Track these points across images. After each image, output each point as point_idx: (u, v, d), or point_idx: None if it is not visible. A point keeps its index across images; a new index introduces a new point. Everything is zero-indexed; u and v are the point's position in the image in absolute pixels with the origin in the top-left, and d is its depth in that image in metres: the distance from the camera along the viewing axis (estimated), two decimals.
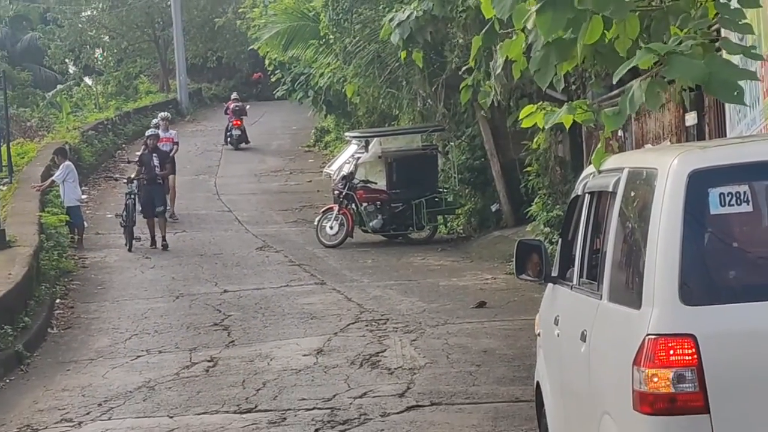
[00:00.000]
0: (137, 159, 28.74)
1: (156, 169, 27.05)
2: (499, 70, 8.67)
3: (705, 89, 7.10)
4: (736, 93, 6.98)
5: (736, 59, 8.36)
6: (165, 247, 26.45)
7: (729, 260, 6.59)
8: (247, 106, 46.56)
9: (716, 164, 6.65)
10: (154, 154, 27.41)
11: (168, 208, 28.93)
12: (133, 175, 27.71)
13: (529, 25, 7.39)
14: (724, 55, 7.89)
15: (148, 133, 28.84)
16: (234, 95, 47.74)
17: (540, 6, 6.92)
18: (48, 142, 37.20)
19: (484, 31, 8.12)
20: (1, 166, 29.78)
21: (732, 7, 7.30)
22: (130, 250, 26.25)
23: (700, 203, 6.45)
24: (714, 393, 6.15)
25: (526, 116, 8.55)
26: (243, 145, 44.88)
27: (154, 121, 34.75)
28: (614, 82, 7.44)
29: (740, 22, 7.37)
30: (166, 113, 35.72)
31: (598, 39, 7.37)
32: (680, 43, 7.02)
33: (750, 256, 6.65)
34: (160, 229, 26.67)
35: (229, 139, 44.88)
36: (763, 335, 6.24)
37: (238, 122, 44.75)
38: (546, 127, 8.46)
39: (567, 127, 8.76)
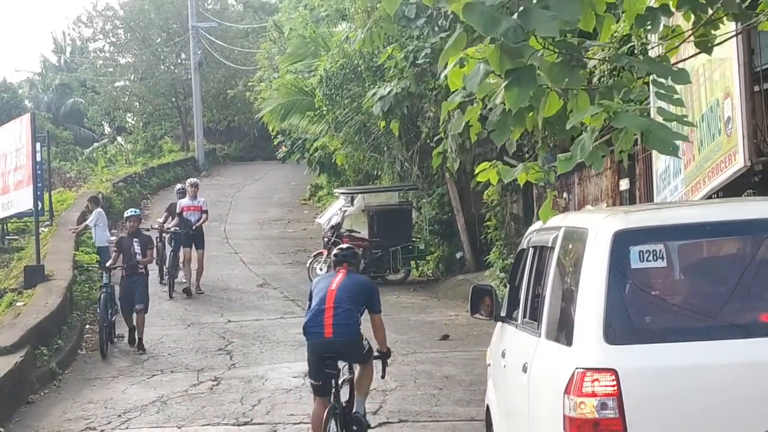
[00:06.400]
0: (114, 243, 21.92)
1: (137, 256, 19.85)
2: (460, 130, 8.63)
3: (645, 142, 7.08)
4: (671, 148, 6.97)
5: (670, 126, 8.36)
6: (141, 349, 19.26)
7: (646, 307, 6.61)
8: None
9: (637, 226, 6.70)
10: (134, 239, 20.07)
11: (185, 282, 24.93)
12: (108, 263, 20.76)
13: (498, 100, 7.39)
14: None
15: (127, 213, 21.37)
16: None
17: (507, 83, 6.94)
18: (84, 192, 37.03)
19: (451, 97, 8.09)
20: (43, 211, 29.59)
21: (666, 84, 7.34)
22: (103, 357, 18.96)
23: (622, 258, 6.48)
24: (631, 419, 6.15)
25: (481, 171, 8.56)
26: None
27: (179, 186, 27.88)
28: (567, 128, 7.39)
29: (674, 97, 7.40)
30: (195, 179, 27.45)
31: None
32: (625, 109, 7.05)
33: (664, 304, 6.68)
34: (137, 329, 19.55)
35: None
36: (674, 370, 6.25)
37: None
38: (504, 182, 8.43)
39: (521, 183, 8.77)
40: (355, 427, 11.62)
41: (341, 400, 11.57)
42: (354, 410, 11.69)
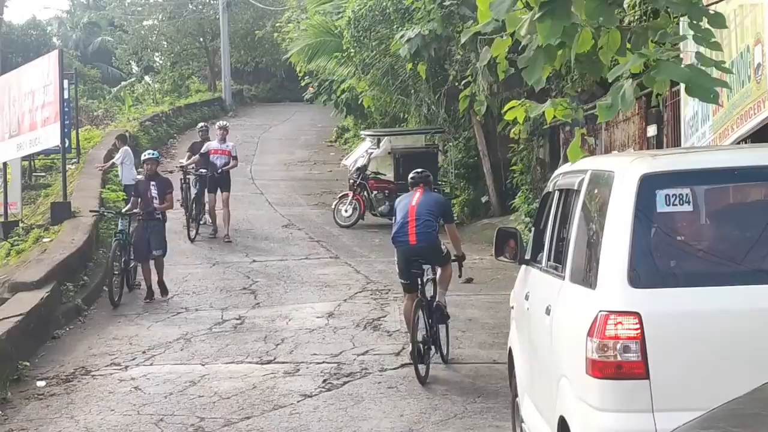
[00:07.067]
0: (133, 184, 21.41)
1: (154, 201, 19.01)
2: (486, 62, 8.54)
3: (686, 91, 7.00)
4: (712, 95, 6.90)
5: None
6: (165, 293, 18.87)
7: (671, 251, 6.56)
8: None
9: (664, 170, 6.63)
10: (152, 182, 19.09)
11: (210, 224, 24.81)
12: (126, 208, 20.30)
13: (523, 32, 7.31)
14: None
15: (144, 156, 19.96)
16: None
17: (541, 14, 6.86)
18: (111, 130, 37.11)
19: (481, 25, 7.99)
20: (70, 149, 29.68)
21: (703, 27, 7.26)
22: (114, 306, 18.19)
23: (648, 202, 6.42)
24: (654, 362, 6.12)
25: (509, 109, 8.49)
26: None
27: (201, 124, 27.90)
28: (609, 81, 7.33)
29: (711, 41, 7.33)
30: (225, 122, 26.41)
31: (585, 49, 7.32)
32: (662, 53, 6.98)
33: (689, 248, 6.63)
34: (156, 273, 18.92)
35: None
36: (697, 315, 6.21)
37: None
38: (530, 119, 8.37)
39: (548, 120, 8.70)
40: (437, 315, 13.53)
41: (427, 295, 13.47)
42: (437, 301, 13.59)
